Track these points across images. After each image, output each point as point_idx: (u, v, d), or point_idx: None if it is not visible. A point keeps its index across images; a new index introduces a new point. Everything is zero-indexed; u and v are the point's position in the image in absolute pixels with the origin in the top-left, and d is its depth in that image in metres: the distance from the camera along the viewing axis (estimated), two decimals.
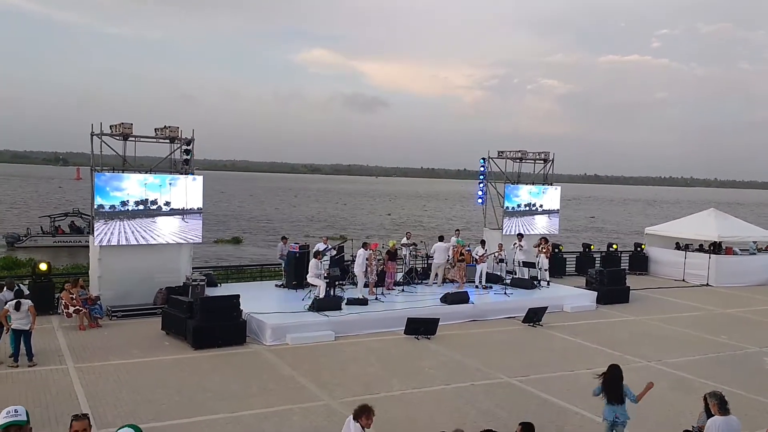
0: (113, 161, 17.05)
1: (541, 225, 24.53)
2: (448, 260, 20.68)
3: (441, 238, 20.63)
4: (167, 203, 16.88)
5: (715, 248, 25.29)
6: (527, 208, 24.18)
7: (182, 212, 17.09)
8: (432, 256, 20.18)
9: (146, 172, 16.96)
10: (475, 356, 13.81)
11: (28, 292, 14.26)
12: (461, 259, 19.48)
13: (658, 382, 12.46)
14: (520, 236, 21.84)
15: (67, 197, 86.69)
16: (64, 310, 14.99)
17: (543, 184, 24.70)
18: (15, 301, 12.07)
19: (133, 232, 16.48)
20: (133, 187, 16.51)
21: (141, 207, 16.55)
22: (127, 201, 16.39)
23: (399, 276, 19.83)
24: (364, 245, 17.86)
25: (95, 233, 16.29)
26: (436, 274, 19.91)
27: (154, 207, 16.72)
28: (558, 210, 25.17)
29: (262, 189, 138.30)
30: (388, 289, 18.38)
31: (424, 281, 20.04)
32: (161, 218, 16.84)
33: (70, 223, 43.93)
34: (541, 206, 24.51)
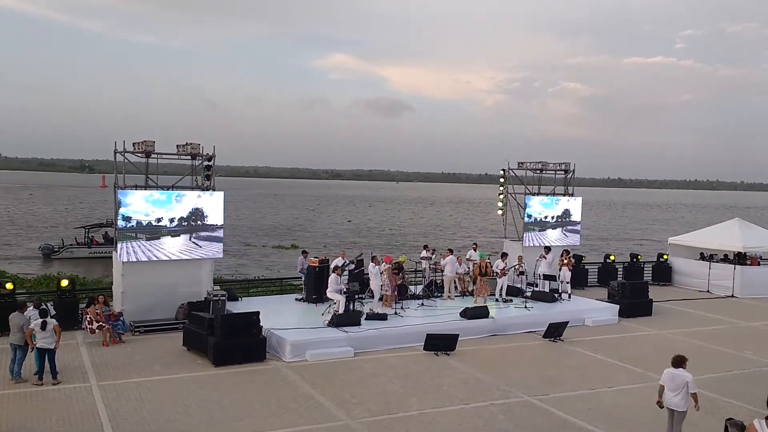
0: (138, 170, 17.24)
1: (557, 237, 24.25)
2: (467, 273, 20.65)
3: (451, 251, 20.57)
4: (172, 219, 16.96)
5: (740, 259, 24.92)
6: (552, 220, 24.01)
7: (189, 228, 17.12)
8: (442, 270, 20.12)
9: (168, 188, 17.16)
10: (494, 373, 13.75)
11: (54, 313, 14.51)
12: (484, 273, 19.33)
13: None
14: (548, 249, 21.67)
15: (37, 208, 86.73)
16: (88, 326, 15.22)
17: (564, 195, 24.54)
18: (41, 320, 12.27)
19: (143, 251, 16.61)
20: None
21: (145, 224, 16.59)
22: (131, 218, 16.44)
23: (419, 289, 19.83)
24: (374, 259, 17.89)
25: (117, 249, 16.53)
26: (451, 288, 19.83)
27: (159, 224, 16.75)
28: (579, 221, 24.97)
29: (250, 195, 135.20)
30: (389, 303, 18.15)
31: (442, 295, 19.96)
32: (166, 236, 16.86)
33: (103, 233, 44.28)
34: (561, 217, 24.32)
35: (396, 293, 18.21)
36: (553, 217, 24.11)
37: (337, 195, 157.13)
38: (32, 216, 74.74)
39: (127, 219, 16.38)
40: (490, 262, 20.09)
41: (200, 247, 17.34)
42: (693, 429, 11.09)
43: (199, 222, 17.27)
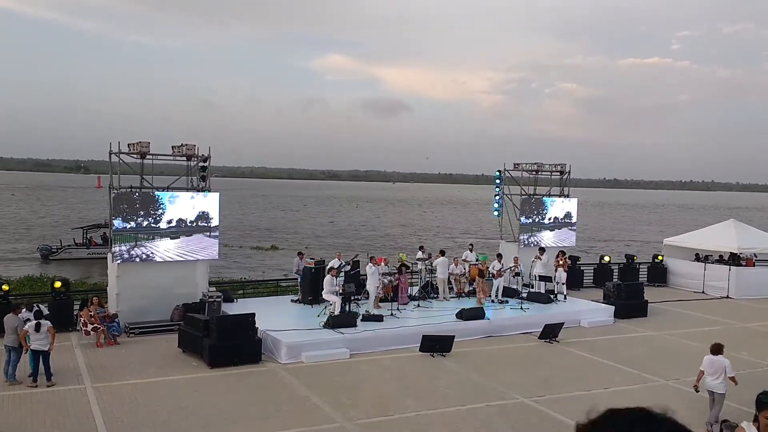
0: (133, 171, 17.19)
1: (552, 238, 24.29)
2: (463, 274, 20.65)
3: (443, 252, 20.59)
4: (168, 221, 16.92)
5: (735, 260, 24.98)
6: (547, 221, 24.05)
7: (184, 230, 17.09)
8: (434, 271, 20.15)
9: (163, 189, 17.13)
10: (490, 375, 13.76)
11: (47, 312, 14.46)
12: (482, 275, 19.31)
13: (675, 402, 12.38)
14: (542, 250, 21.70)
15: (15, 209, 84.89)
16: (83, 328, 15.17)
17: (559, 196, 24.59)
18: (35, 322, 12.24)
19: (138, 252, 16.59)
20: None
21: (140, 225, 16.55)
22: (129, 219, 16.40)
23: (415, 291, 19.82)
24: (372, 259, 17.88)
25: (112, 251, 16.49)
26: (444, 288, 19.86)
27: (154, 225, 16.71)
28: (575, 222, 25.01)
29: (237, 196, 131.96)
30: (402, 304, 18.27)
31: (438, 296, 19.96)
32: (161, 237, 16.82)
33: (102, 234, 44.00)
34: (556, 218, 24.37)
35: (403, 293, 18.46)
36: (549, 219, 24.16)
37: (326, 195, 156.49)
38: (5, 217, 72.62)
39: (126, 220, 16.37)
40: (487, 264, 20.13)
41: (196, 248, 17.30)
42: None
43: (194, 223, 17.24)
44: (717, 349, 10.90)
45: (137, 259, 16.58)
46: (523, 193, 23.96)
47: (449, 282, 20.20)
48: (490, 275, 19.75)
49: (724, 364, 10.76)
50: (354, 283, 18.10)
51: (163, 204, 16.86)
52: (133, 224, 16.45)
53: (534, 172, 24.24)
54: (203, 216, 17.38)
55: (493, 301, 19.44)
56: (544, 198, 24.20)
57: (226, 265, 42.98)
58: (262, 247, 52.08)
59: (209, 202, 17.49)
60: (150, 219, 16.70)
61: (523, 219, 23.59)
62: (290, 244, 53.45)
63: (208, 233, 17.46)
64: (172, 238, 16.97)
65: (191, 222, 17.20)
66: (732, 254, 24.88)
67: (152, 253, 16.75)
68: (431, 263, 20.52)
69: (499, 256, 20.71)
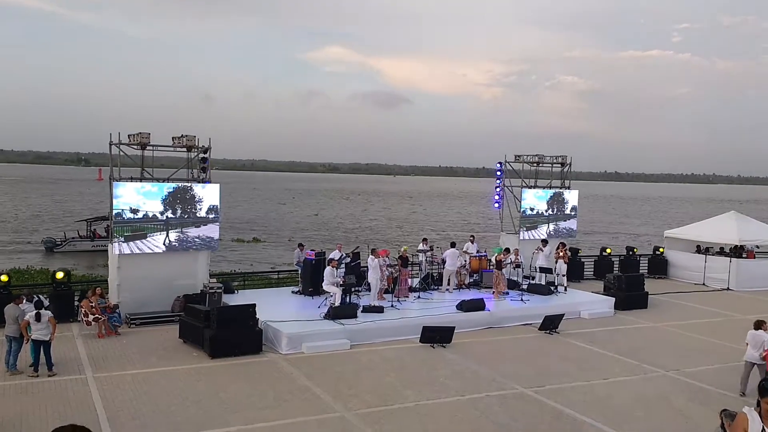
0: (133, 162, 17.17)
1: (553, 229, 24.26)
2: (464, 266, 20.66)
3: (453, 245, 20.59)
4: (172, 212, 16.92)
5: (736, 252, 24.97)
6: (548, 213, 24.03)
7: (185, 221, 17.10)
8: (442, 262, 20.15)
9: (164, 180, 17.12)
10: (490, 365, 13.78)
11: (47, 303, 14.49)
12: (500, 267, 19.28)
13: (675, 392, 12.45)
14: (545, 242, 21.67)
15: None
16: (84, 319, 15.21)
17: (560, 188, 24.55)
18: (35, 312, 12.26)
19: (139, 243, 16.61)
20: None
21: (141, 216, 16.55)
22: (129, 210, 16.44)
23: (415, 282, 19.84)
24: (373, 252, 17.90)
25: (114, 241, 16.49)
26: (449, 281, 19.86)
27: (154, 216, 16.70)
28: (576, 214, 24.99)
29: (230, 188, 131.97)
30: (404, 296, 18.32)
31: (440, 287, 19.98)
32: (162, 228, 16.84)
33: (106, 227, 43.97)
34: (557, 210, 24.33)
35: (404, 286, 18.47)
36: (548, 210, 24.13)
37: (320, 188, 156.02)
38: None
39: (130, 211, 16.38)
40: (486, 256, 20.10)
41: (196, 239, 17.32)
42: (688, 420, 11.17)
43: (195, 214, 17.24)
44: (758, 325, 12.13)
45: (138, 250, 16.57)
46: (524, 185, 23.90)
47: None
48: (490, 266, 19.73)
49: (764, 339, 11.93)
50: (354, 275, 18.13)
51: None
52: (135, 215, 16.44)
53: (535, 164, 24.19)
54: (204, 207, 17.37)
55: (494, 292, 19.35)
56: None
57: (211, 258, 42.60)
58: (244, 239, 51.71)
59: (210, 193, 17.48)
60: (187, 211, 16.98)
61: (527, 211, 23.54)
62: (272, 236, 53.37)
63: (209, 224, 17.46)
64: (173, 229, 16.97)
65: (192, 213, 17.20)
66: (736, 246, 24.87)
67: (153, 243, 16.75)
68: (432, 255, 20.53)
69: (507, 250, 20.69)
